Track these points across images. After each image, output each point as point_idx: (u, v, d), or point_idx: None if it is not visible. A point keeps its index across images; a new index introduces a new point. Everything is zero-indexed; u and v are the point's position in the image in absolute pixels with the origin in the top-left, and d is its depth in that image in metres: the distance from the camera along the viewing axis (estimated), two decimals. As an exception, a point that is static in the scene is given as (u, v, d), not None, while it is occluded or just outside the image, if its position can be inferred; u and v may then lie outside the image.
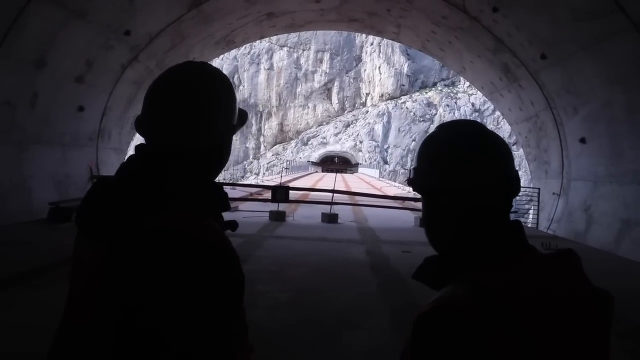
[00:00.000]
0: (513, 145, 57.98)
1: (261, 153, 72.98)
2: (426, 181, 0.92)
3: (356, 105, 75.03)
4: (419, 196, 0.98)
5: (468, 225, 0.88)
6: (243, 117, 1.08)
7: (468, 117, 63.25)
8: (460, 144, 0.90)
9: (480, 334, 0.71)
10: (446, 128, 0.95)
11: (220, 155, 1.03)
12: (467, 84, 54.29)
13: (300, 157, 68.01)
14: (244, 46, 55.47)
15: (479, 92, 19.80)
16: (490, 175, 0.87)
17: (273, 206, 11.97)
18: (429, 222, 0.95)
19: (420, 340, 0.76)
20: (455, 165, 0.88)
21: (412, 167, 0.97)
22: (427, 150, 0.94)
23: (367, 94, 74.78)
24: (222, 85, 1.00)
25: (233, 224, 1.03)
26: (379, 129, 66.80)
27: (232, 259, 0.87)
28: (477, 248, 0.85)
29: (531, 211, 14.33)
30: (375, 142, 66.15)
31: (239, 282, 0.88)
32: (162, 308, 0.80)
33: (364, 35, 66.39)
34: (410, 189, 0.97)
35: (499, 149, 0.91)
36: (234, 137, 1.11)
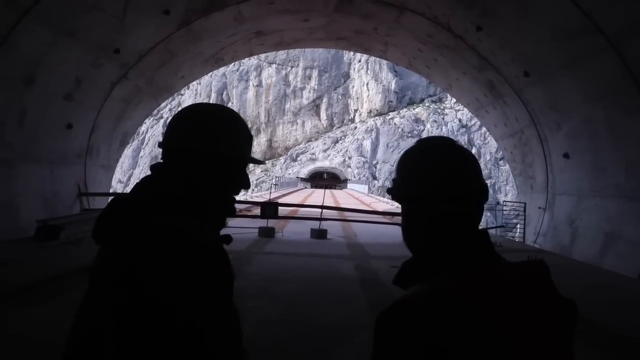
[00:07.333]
0: (500, 160, 58.58)
1: (250, 169, 72.93)
2: (401, 190, 1.01)
3: (345, 121, 75.52)
4: None
5: (436, 232, 0.96)
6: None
7: (455, 133, 63.91)
8: (431, 158, 0.98)
9: (432, 327, 0.78)
10: (421, 143, 1.04)
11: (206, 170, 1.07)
12: (454, 100, 55.02)
13: (289, 173, 67.98)
14: (233, 63, 55.71)
15: (465, 108, 20.08)
16: (455, 188, 0.95)
17: (262, 222, 11.97)
18: (404, 227, 1.04)
19: (378, 336, 0.83)
20: (425, 176, 0.96)
21: (392, 178, 1.06)
22: (402, 162, 1.03)
23: (356, 110, 75.35)
24: (209, 117, 1.10)
25: (227, 238, 1.09)
26: (367, 144, 67.20)
27: (224, 257, 0.95)
28: (444, 253, 0.93)
29: (519, 226, 14.48)
30: (364, 157, 66.47)
31: (230, 278, 0.95)
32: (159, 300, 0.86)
33: (351, 53, 67.13)
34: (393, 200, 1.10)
35: (463, 164, 0.98)
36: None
